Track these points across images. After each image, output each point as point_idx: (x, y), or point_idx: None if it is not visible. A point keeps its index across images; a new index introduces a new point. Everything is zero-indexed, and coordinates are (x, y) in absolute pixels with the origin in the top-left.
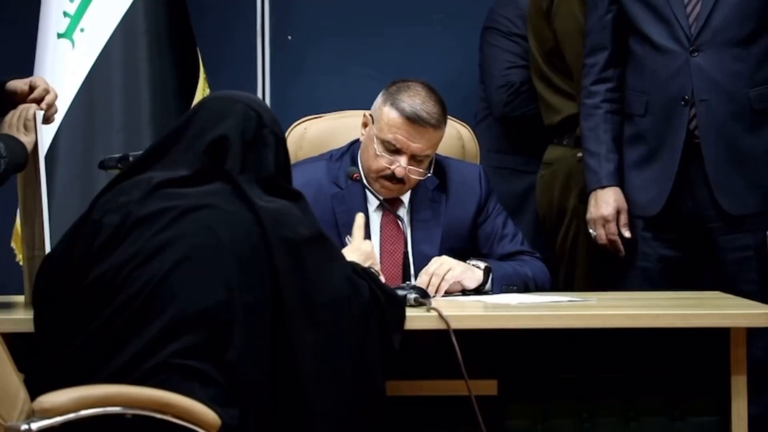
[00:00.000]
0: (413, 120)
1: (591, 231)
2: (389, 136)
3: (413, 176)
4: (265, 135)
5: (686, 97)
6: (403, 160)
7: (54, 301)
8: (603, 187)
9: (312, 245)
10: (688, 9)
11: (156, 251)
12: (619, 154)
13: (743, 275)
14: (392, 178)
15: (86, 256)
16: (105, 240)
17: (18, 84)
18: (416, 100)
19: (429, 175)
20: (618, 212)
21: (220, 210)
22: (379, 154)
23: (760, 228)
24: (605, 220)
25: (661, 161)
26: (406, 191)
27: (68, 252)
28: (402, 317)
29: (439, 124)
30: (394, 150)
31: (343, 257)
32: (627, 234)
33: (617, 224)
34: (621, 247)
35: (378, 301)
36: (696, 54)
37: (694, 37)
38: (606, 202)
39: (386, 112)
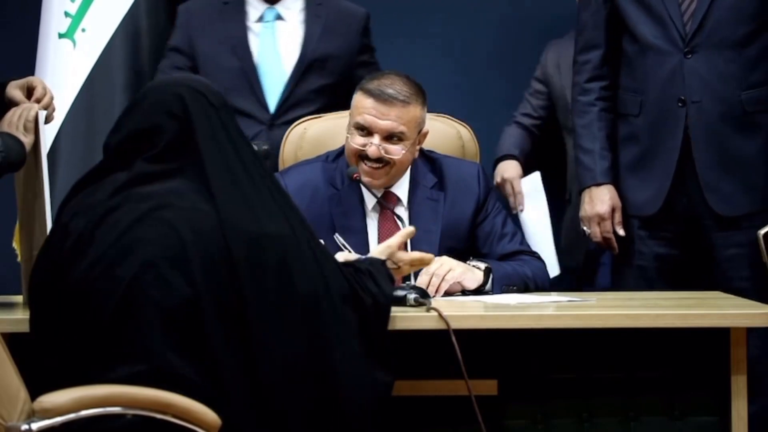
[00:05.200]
0: (378, 96)
1: (585, 228)
2: (358, 118)
3: (390, 155)
4: (215, 114)
5: (682, 98)
6: (375, 139)
7: (41, 303)
8: (598, 185)
9: (276, 240)
10: (683, 8)
11: (121, 254)
12: (613, 152)
13: (738, 272)
14: (368, 157)
15: (59, 261)
16: (72, 244)
17: (16, 93)
18: (384, 81)
19: (404, 152)
20: (613, 210)
21: (182, 209)
22: (352, 136)
23: (754, 228)
24: (600, 218)
25: (658, 162)
26: (395, 177)
27: (46, 256)
28: (385, 319)
29: (408, 100)
30: (367, 132)
31: (321, 253)
32: (621, 232)
33: (612, 222)
34: (615, 244)
35: (359, 299)
36: (690, 55)
37: (689, 38)
38: (601, 199)
39: (356, 99)
